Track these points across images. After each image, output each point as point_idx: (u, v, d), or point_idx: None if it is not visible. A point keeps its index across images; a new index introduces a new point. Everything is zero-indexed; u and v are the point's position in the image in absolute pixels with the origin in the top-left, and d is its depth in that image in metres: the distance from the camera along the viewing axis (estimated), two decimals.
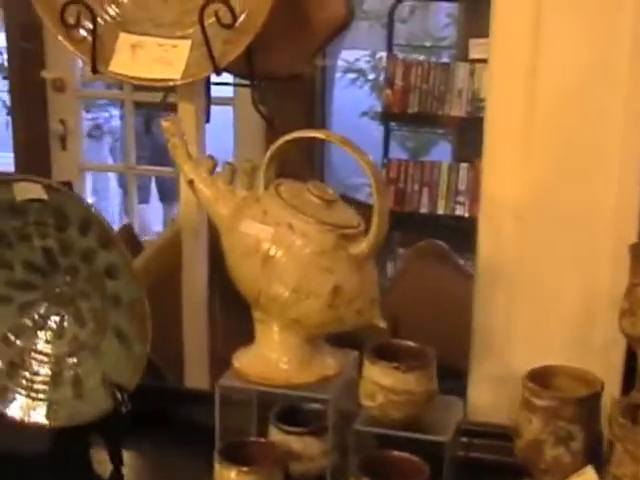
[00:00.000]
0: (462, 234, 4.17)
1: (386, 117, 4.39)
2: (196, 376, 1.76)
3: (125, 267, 1.46)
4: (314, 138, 1.42)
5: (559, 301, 1.57)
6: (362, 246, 1.38)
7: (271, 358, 1.44)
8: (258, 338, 1.47)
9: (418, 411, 1.38)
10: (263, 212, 1.39)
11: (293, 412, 1.50)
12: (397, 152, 5.04)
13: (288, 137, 1.41)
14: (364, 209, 1.43)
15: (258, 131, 2.95)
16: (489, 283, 1.62)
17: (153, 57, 1.53)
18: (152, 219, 5.42)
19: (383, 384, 1.37)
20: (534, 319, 1.59)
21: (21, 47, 3.65)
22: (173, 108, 1.70)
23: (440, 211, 4.28)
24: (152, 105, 3.27)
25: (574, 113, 1.50)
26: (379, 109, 4.70)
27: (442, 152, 5.08)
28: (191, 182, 1.47)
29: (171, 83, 1.55)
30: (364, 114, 5.86)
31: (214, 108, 1.78)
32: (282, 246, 1.36)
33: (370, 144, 4.61)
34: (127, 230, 2.41)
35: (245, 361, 1.47)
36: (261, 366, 1.45)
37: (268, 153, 1.42)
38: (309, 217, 1.37)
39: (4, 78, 4.86)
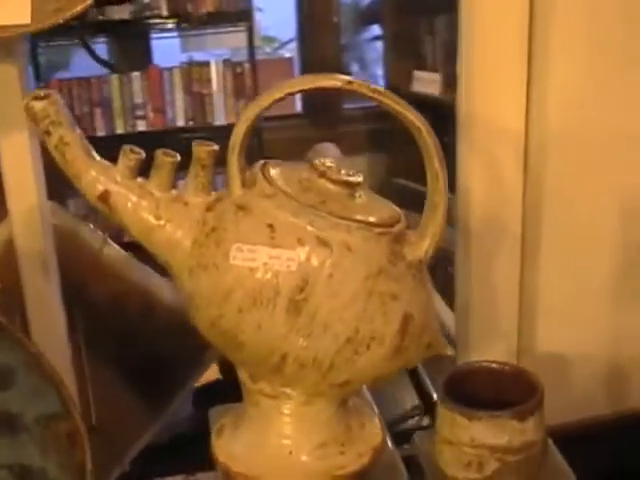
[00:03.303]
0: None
1: None
2: None
3: (27, 367, 0.83)
4: (324, 87, 0.86)
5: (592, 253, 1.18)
6: (422, 247, 0.88)
7: (289, 447, 0.91)
8: (259, 419, 0.92)
9: (538, 466, 0.94)
10: (267, 227, 0.83)
11: None
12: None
13: (279, 90, 0.84)
14: None
15: None
16: (487, 240, 1.18)
17: None
18: None
19: (496, 444, 0.90)
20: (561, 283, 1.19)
21: None
22: None
23: (120, 131, 3.69)
24: None
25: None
26: None
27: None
28: (105, 197, 0.86)
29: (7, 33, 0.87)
30: None
31: None
32: (320, 277, 0.82)
33: None
34: None
35: (242, 456, 0.92)
36: (276, 463, 0.91)
37: (241, 125, 0.85)
38: (346, 219, 0.84)
39: None
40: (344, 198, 0.86)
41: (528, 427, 0.91)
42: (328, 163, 0.87)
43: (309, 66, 3.98)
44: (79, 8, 0.88)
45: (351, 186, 0.87)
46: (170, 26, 3.68)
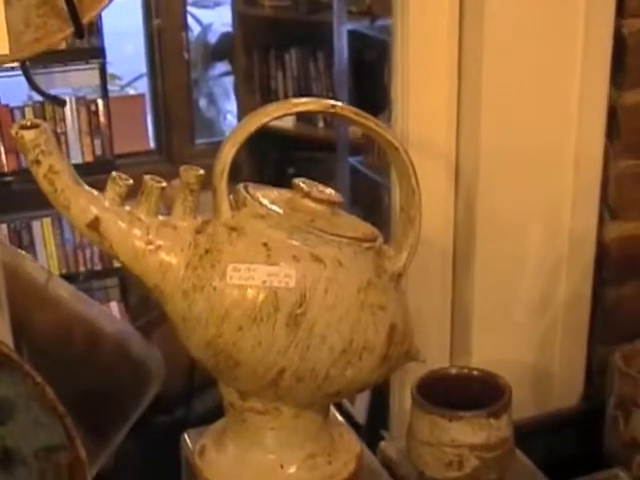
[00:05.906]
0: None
1: None
2: None
3: (30, 399, 0.83)
4: (307, 111, 0.89)
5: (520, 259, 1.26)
6: (401, 259, 0.93)
7: (279, 460, 0.94)
8: (246, 435, 0.95)
9: (510, 460, 1.00)
10: (263, 246, 0.86)
11: None
12: None
13: (265, 114, 0.87)
14: None
15: None
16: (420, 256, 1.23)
17: None
18: None
19: (475, 442, 0.96)
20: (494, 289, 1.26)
21: None
22: None
23: None
24: None
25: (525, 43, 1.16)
26: None
27: None
28: (95, 224, 0.86)
29: None
30: None
31: None
32: (316, 291, 0.86)
33: None
34: None
35: (231, 473, 0.94)
36: (268, 476, 0.94)
37: (228, 149, 0.88)
38: (335, 236, 0.88)
39: None
40: (329, 216, 0.90)
41: (502, 424, 0.97)
42: (306, 182, 0.91)
43: (162, 102, 3.98)
44: (58, 38, 0.89)
45: (333, 204, 0.91)
46: (15, 63, 3.59)
